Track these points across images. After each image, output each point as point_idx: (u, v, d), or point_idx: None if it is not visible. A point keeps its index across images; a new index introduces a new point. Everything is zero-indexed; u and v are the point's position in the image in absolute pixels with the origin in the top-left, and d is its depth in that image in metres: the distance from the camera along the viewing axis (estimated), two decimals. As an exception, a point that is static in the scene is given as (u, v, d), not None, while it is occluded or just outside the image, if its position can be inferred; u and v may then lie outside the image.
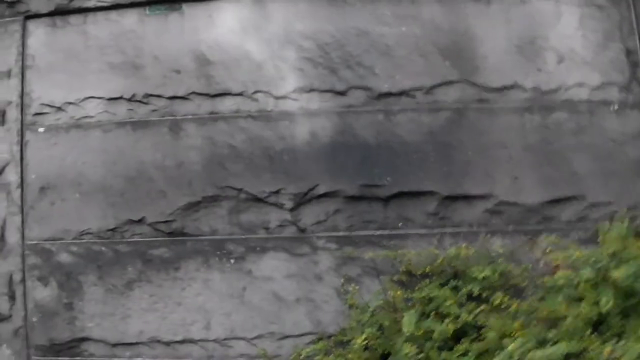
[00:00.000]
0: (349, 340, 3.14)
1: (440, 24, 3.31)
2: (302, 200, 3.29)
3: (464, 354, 3.03)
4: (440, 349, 3.03)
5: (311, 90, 3.32)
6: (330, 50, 3.33)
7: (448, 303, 3.10)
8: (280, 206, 3.29)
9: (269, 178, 3.30)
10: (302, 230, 3.28)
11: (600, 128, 3.23)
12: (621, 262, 3.00)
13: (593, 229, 3.15)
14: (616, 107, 3.23)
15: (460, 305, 3.10)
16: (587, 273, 3.00)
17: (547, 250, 3.16)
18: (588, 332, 2.89)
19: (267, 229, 3.28)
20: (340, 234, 3.27)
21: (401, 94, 3.29)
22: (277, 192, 3.29)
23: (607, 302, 2.90)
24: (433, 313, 3.11)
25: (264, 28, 3.37)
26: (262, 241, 3.28)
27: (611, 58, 3.25)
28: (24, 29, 3.39)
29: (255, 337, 3.22)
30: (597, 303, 2.93)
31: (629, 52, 3.26)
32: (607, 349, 2.82)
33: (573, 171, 3.23)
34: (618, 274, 2.94)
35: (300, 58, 3.34)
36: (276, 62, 3.35)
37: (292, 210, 3.29)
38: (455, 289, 3.14)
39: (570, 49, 3.27)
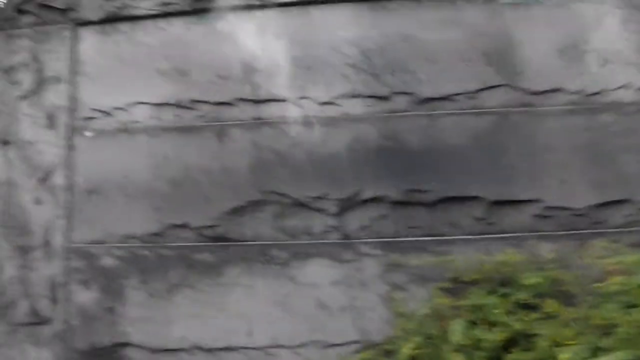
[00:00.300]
0: (395, 350, 3.08)
1: (482, 28, 3.33)
2: (347, 205, 3.26)
3: (515, 365, 2.98)
4: (490, 358, 2.96)
5: (355, 95, 3.34)
6: (373, 56, 3.36)
7: (497, 311, 3.02)
8: (324, 211, 3.26)
9: (313, 183, 3.28)
10: (347, 236, 3.24)
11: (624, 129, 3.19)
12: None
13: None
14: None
15: (510, 313, 3.02)
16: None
17: (599, 255, 3.12)
18: (644, 340, 2.83)
19: (311, 234, 3.25)
20: (386, 239, 3.22)
21: (445, 98, 3.29)
22: (321, 197, 3.27)
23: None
24: (482, 321, 3.03)
25: (308, 35, 3.42)
26: (306, 247, 3.24)
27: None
28: (75, 35, 3.48)
29: (299, 346, 3.14)
30: (653, 310, 2.88)
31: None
32: None
33: (622, 173, 3.17)
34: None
35: (344, 64, 3.36)
36: (320, 69, 3.38)
37: (336, 215, 3.25)
38: (505, 296, 3.05)
39: (613, 51, 3.27)
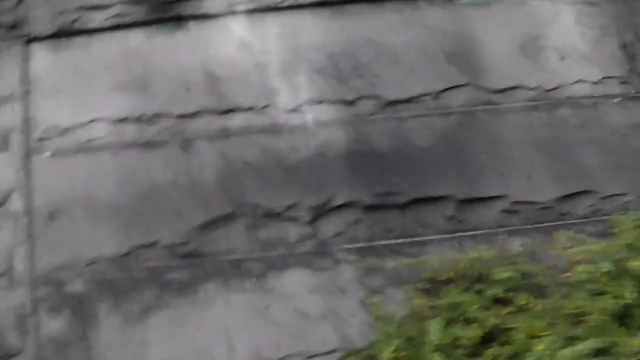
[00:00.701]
0: (377, 354, 3.06)
1: (444, 29, 3.42)
2: (320, 212, 3.25)
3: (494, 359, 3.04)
4: (469, 355, 2.99)
5: (322, 101, 3.34)
6: (339, 60, 3.38)
7: (473, 307, 3.06)
8: (298, 220, 3.24)
9: (285, 192, 3.25)
10: (322, 244, 3.22)
11: (604, 121, 3.35)
12: (638, 252, 3.09)
13: (608, 222, 3.20)
14: (618, 100, 3.37)
15: (485, 309, 3.07)
16: (605, 266, 3.04)
17: (565, 246, 3.21)
18: (614, 325, 2.93)
19: (286, 244, 3.22)
20: (361, 244, 3.23)
21: (411, 100, 3.34)
22: (294, 205, 3.24)
23: (629, 293, 2.96)
24: (459, 319, 3.06)
25: (272, 41, 3.40)
26: (282, 257, 3.21)
27: (609, 52, 3.42)
28: (26, 51, 3.32)
29: (282, 357, 3.08)
30: (619, 295, 2.99)
31: (625, 46, 3.44)
32: (635, 341, 2.86)
33: (583, 166, 3.31)
34: (636, 264, 3.02)
35: (309, 69, 3.37)
36: (286, 75, 3.36)
37: (310, 223, 3.24)
38: (479, 292, 3.11)
39: (570, 46, 3.42)
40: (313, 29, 3.39)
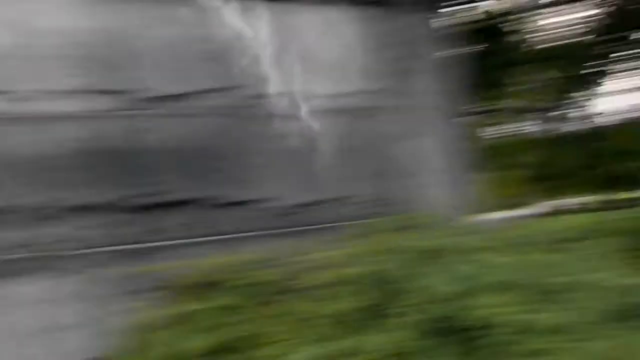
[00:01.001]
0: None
1: (198, 30, 3.31)
2: (48, 215, 2.96)
3: (229, 369, 2.96)
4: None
5: (61, 92, 3.05)
6: (83, 50, 3.11)
7: (209, 316, 2.98)
8: (19, 224, 2.91)
9: (4, 192, 2.90)
10: (51, 250, 2.94)
11: (375, 132, 3.53)
12: (378, 257, 3.17)
13: (350, 227, 3.30)
14: (362, 113, 3.55)
15: (222, 317, 2.98)
16: (346, 271, 3.09)
17: (307, 251, 3.24)
18: (350, 329, 2.97)
19: (3, 250, 2.88)
20: (99, 250, 3.02)
21: (156, 99, 3.21)
22: (13, 208, 2.90)
23: (366, 297, 3.02)
24: (195, 328, 2.96)
25: (6, 20, 3.02)
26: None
27: (358, 67, 3.56)
28: None
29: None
30: (358, 299, 3.02)
31: (400, 60, 3.63)
32: (373, 343, 2.90)
33: (330, 173, 3.43)
34: (376, 268, 3.10)
35: (51, 56, 3.05)
36: (22, 59, 3.00)
37: (34, 227, 2.93)
38: (217, 300, 3.02)
39: (345, 59, 3.53)
40: (66, 13, 3.08)
